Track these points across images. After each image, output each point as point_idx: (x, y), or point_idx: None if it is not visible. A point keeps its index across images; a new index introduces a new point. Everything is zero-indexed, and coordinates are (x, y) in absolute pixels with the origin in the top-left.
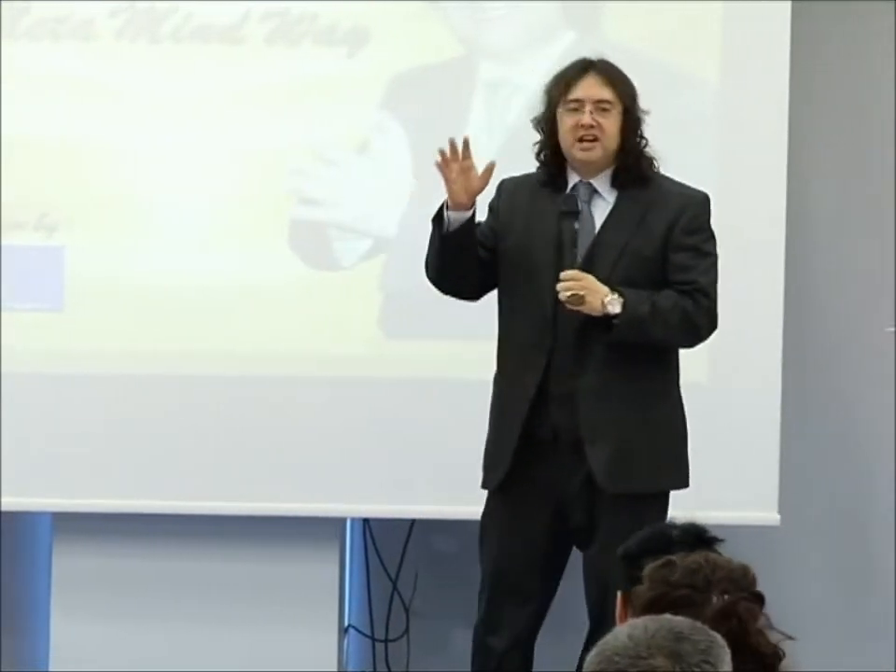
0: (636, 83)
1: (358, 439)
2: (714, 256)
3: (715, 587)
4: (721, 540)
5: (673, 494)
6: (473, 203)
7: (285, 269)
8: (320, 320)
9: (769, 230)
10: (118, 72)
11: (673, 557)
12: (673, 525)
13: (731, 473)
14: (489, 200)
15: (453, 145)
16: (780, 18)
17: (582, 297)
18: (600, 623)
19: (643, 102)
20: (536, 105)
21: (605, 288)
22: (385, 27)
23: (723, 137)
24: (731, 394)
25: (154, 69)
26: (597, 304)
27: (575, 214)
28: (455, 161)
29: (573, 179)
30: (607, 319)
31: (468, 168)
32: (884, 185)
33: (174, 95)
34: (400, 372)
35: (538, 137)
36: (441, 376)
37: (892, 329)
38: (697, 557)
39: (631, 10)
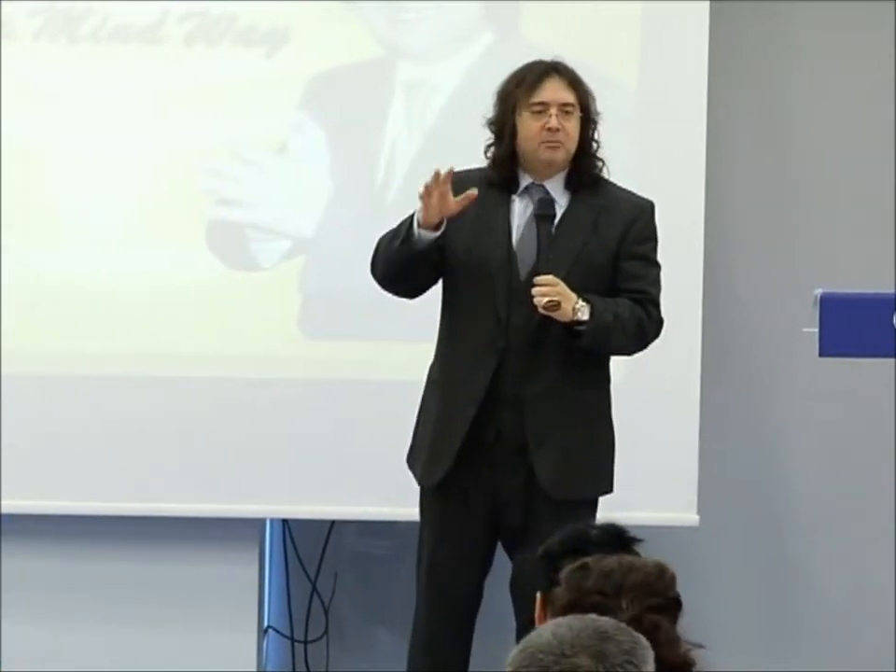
0: None
1: (277, 439)
2: (659, 266)
3: (626, 593)
4: (641, 541)
5: None
6: (443, 223)
7: (203, 269)
8: (239, 321)
9: (688, 230)
10: (35, 72)
11: (588, 560)
12: (592, 526)
13: (650, 474)
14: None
15: (437, 175)
16: (698, 19)
17: (559, 303)
18: (529, 626)
19: None
20: (453, 106)
21: (574, 295)
22: (303, 27)
23: (642, 138)
24: (649, 394)
25: (73, 69)
26: (569, 311)
27: (551, 217)
28: (436, 188)
29: (525, 181)
30: (566, 325)
31: (445, 192)
32: (802, 186)
33: (92, 95)
34: (320, 373)
35: (461, 136)
36: (361, 377)
37: (810, 330)
38: (612, 561)
39: (549, 12)
